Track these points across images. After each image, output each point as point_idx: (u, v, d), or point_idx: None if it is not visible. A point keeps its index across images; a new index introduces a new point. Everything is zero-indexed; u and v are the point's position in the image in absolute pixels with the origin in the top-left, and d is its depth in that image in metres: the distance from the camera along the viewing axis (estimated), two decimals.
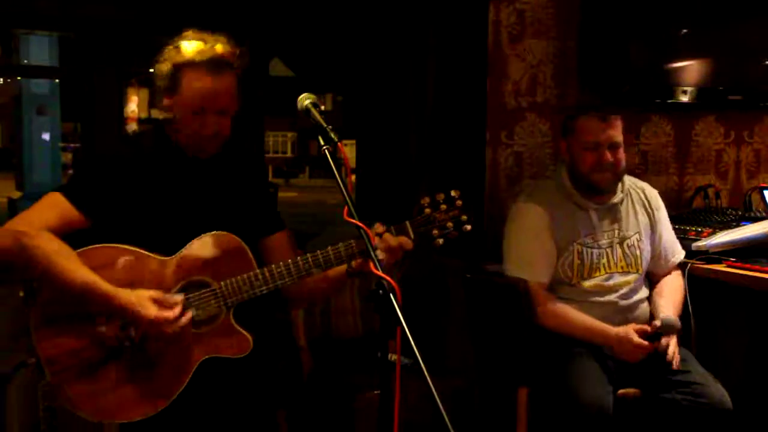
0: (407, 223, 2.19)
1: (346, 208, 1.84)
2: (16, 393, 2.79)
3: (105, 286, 2.06)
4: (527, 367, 2.94)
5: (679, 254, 3.12)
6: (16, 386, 2.76)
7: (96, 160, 2.33)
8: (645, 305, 3.02)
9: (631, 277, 2.99)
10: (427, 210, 2.20)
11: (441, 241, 2.20)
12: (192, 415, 2.20)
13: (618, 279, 2.97)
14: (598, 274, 2.95)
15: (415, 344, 1.65)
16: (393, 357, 1.72)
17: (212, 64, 2.17)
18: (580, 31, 3.61)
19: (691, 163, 3.94)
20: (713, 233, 3.19)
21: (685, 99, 3.69)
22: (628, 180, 3.10)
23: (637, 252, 3.01)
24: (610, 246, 2.98)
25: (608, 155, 2.90)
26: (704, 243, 3.14)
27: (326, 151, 1.93)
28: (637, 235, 3.02)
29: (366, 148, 4.13)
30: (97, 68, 3.41)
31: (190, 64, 2.17)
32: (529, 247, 2.94)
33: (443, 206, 2.20)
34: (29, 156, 14.05)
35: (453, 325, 3.39)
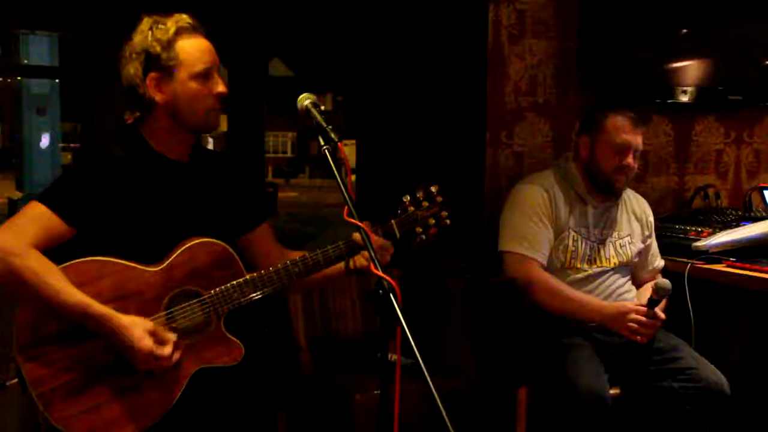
0: (393, 222, 2.20)
1: (346, 208, 1.84)
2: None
3: (100, 308, 1.99)
4: (527, 367, 2.95)
5: (660, 261, 3.20)
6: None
7: (73, 169, 2.24)
8: (632, 295, 3.07)
9: (620, 272, 3.05)
10: (411, 208, 2.20)
11: (424, 237, 2.21)
12: (191, 421, 2.16)
13: (609, 274, 3.01)
14: (589, 266, 2.97)
15: (415, 344, 1.65)
16: (393, 357, 1.71)
17: (196, 27, 2.16)
18: (580, 31, 3.61)
19: (691, 163, 3.94)
20: (713, 233, 3.20)
21: (685, 99, 3.69)
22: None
23: (629, 252, 3.06)
24: (603, 243, 3.00)
25: (633, 161, 2.93)
26: (704, 243, 3.15)
27: (326, 151, 1.92)
28: (628, 237, 3.07)
29: (366, 148, 4.12)
30: (98, 68, 3.40)
31: (179, 32, 2.12)
32: (527, 224, 2.96)
33: (425, 203, 2.21)
34: (29, 156, 14.05)
35: (453, 326, 3.38)
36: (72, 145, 17.92)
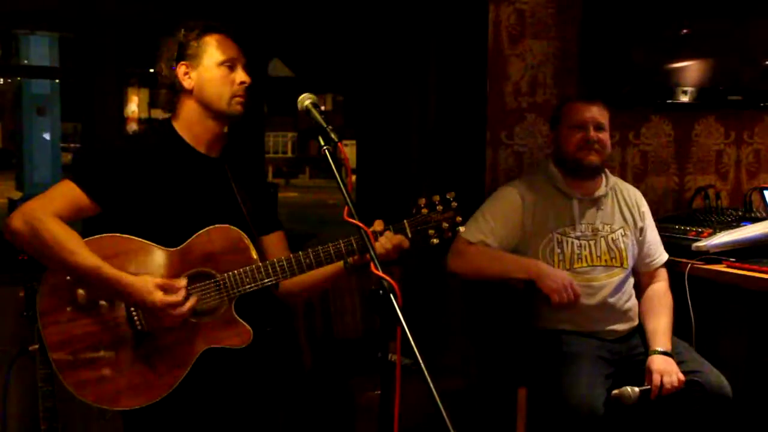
0: (405, 222, 2.22)
1: (346, 208, 1.84)
2: (16, 377, 2.86)
3: (112, 270, 2.11)
4: (526, 367, 2.95)
5: (662, 256, 3.15)
6: (16, 371, 2.84)
7: (106, 149, 2.41)
8: (633, 302, 3.03)
9: (615, 272, 3.00)
10: (424, 210, 2.23)
11: (436, 240, 2.24)
12: (193, 406, 2.23)
13: (602, 273, 2.99)
14: (579, 264, 2.96)
15: (415, 344, 1.65)
16: (393, 357, 1.72)
17: (227, 29, 2.33)
18: (580, 32, 3.61)
19: (691, 164, 3.94)
20: (713, 233, 3.19)
21: (685, 99, 3.69)
22: (614, 178, 3.16)
23: (622, 246, 3.02)
24: (593, 238, 2.99)
25: (594, 133, 2.97)
26: (704, 243, 3.14)
27: (326, 151, 1.93)
28: (621, 230, 3.04)
29: (366, 148, 4.12)
30: (98, 68, 3.40)
31: (209, 28, 2.30)
32: (489, 217, 3.00)
33: (439, 207, 2.23)
34: (29, 156, 14.05)
35: (453, 325, 3.39)
36: (72, 145, 17.93)
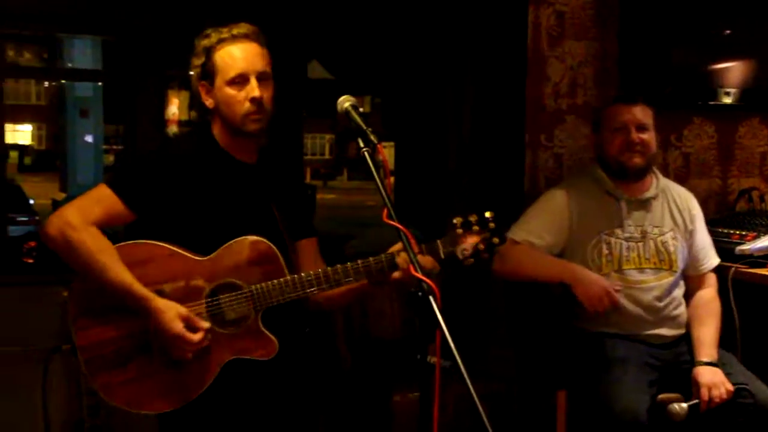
0: (438, 242, 2.18)
1: (385, 209, 1.84)
2: (54, 375, 2.94)
3: (141, 289, 2.13)
4: (567, 370, 2.92)
5: (712, 260, 3.08)
6: (53, 368, 2.92)
7: (144, 156, 2.45)
8: (682, 308, 2.98)
9: (664, 275, 2.95)
10: (459, 231, 2.18)
11: (471, 261, 2.19)
12: (229, 406, 2.24)
13: (650, 275, 2.94)
14: (628, 266, 2.92)
15: (454, 346, 1.64)
16: (432, 359, 1.71)
17: (238, 36, 2.27)
18: (620, 33, 3.58)
19: (735, 166, 3.88)
20: (757, 237, 3.15)
21: (728, 100, 3.64)
22: (665, 180, 3.10)
23: (671, 249, 2.97)
24: (642, 240, 2.95)
25: (636, 135, 2.93)
26: (748, 247, 3.09)
27: (366, 152, 1.93)
28: (671, 233, 2.99)
29: (405, 149, 4.13)
30: (140, 71, 3.45)
31: (219, 41, 2.25)
32: (536, 218, 2.98)
33: (476, 227, 2.18)
34: (73, 157, 14.27)
35: (494, 327, 3.37)
36: (115, 147, 18.18)
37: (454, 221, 2.18)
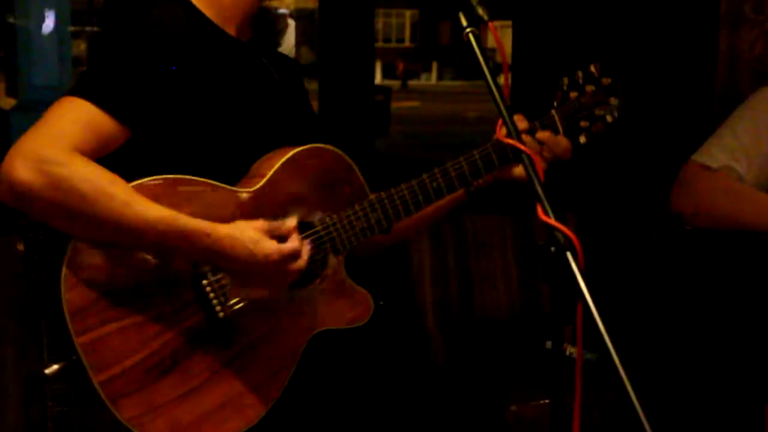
0: (554, 113, 2.28)
1: (500, 122, 1.83)
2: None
3: (191, 221, 2.03)
4: None
5: None
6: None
7: (122, 44, 2.24)
8: None
9: None
10: (573, 94, 2.28)
11: (584, 139, 2.30)
12: (290, 416, 2.24)
13: None
14: None
15: (605, 330, 1.62)
16: (570, 350, 1.71)
17: None
18: None
19: None
20: None
21: None
22: None
23: None
24: None
25: None
26: None
27: (471, 35, 1.88)
28: None
29: (526, 30, 4.12)
30: None
31: None
32: (741, 132, 2.99)
33: (588, 87, 2.28)
34: (26, 48, 14.46)
35: (658, 301, 3.35)
36: (87, 28, 18.43)
37: (563, 81, 2.31)
